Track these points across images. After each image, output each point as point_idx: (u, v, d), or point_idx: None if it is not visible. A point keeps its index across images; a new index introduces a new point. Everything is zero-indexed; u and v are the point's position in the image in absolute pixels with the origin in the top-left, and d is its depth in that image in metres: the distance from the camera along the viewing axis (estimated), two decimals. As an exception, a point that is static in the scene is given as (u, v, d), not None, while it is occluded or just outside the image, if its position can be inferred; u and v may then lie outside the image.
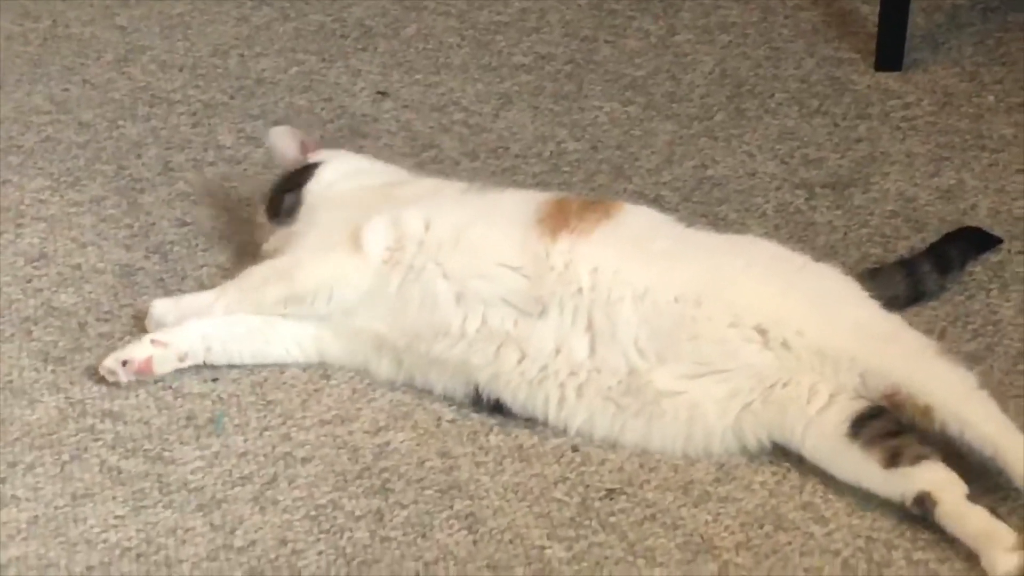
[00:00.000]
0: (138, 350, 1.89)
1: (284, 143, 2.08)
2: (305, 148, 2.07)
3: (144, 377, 1.89)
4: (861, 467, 1.72)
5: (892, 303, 1.91)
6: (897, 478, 1.70)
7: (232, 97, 2.47)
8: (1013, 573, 1.62)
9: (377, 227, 1.89)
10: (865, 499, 1.76)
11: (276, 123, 2.22)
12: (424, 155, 2.33)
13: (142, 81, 2.50)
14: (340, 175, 2.01)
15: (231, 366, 1.93)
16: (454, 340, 1.84)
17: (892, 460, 1.71)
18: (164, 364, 1.90)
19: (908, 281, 2.01)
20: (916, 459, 1.70)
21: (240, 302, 1.92)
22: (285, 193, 2.00)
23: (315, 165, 2.03)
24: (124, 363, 1.89)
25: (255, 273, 1.94)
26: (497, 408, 1.85)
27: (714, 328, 1.79)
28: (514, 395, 1.84)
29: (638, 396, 1.80)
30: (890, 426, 1.73)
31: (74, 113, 2.42)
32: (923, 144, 2.36)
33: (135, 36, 2.61)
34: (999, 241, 2.12)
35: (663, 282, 1.81)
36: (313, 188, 2.00)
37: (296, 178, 2.02)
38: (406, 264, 1.87)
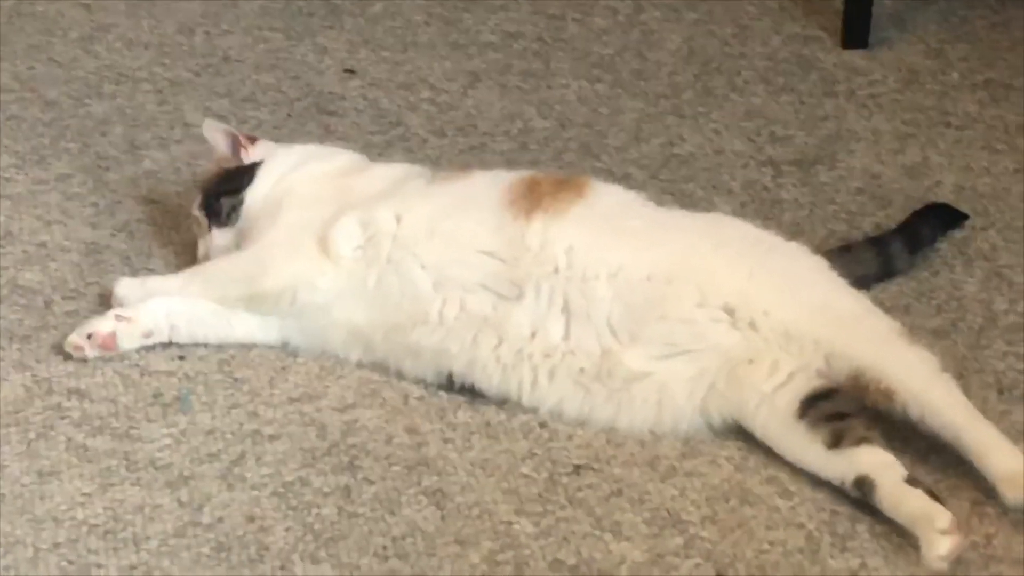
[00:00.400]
0: (103, 324, 1.89)
1: (215, 137, 2.03)
2: (237, 143, 2.03)
3: (108, 352, 1.89)
4: (806, 447, 1.74)
5: (863, 281, 1.93)
6: (838, 460, 1.71)
7: (198, 75, 2.46)
8: (947, 555, 1.63)
9: (346, 228, 1.88)
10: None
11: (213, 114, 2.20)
12: (392, 133, 2.33)
13: (108, 59, 2.49)
14: (286, 169, 1.98)
15: (197, 344, 1.93)
16: (432, 327, 1.85)
17: (835, 441, 1.72)
18: (128, 340, 1.90)
19: (879, 259, 2.03)
20: (858, 441, 1.72)
21: (204, 294, 1.91)
22: (223, 197, 1.98)
23: (254, 167, 2.00)
24: (88, 336, 1.88)
25: (220, 268, 1.93)
26: (469, 391, 1.85)
27: (683, 307, 1.79)
28: (489, 380, 1.84)
29: (609, 379, 1.81)
30: (839, 407, 1.74)
31: (40, 91, 2.41)
32: (889, 121, 2.37)
33: (101, 15, 2.59)
34: (966, 217, 2.14)
35: (636, 260, 1.81)
36: (258, 190, 1.97)
37: (235, 181, 1.99)
38: (383, 259, 1.86)
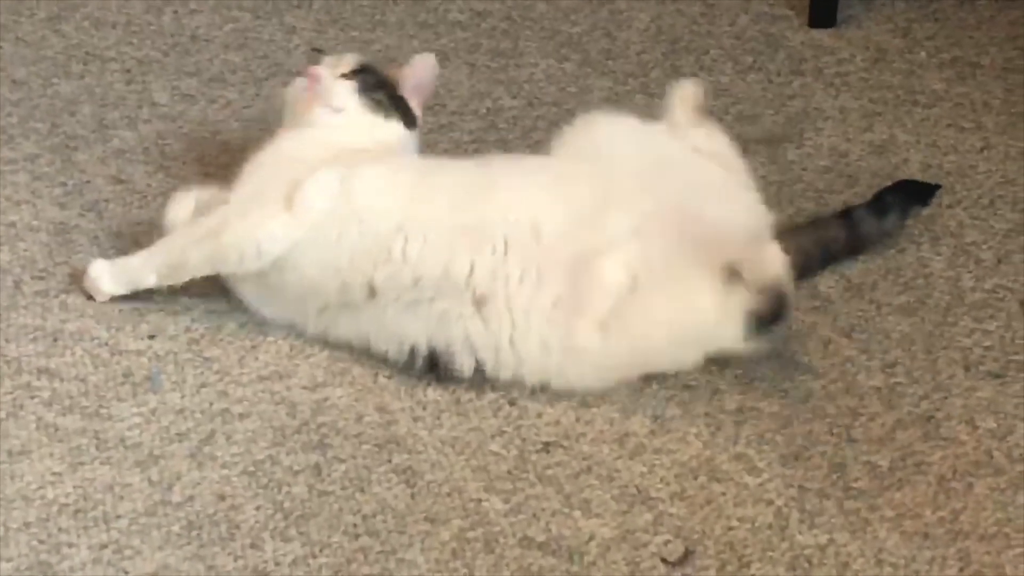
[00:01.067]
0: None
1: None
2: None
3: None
4: None
5: (832, 252, 1.95)
6: None
7: (166, 54, 2.46)
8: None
9: (323, 181, 1.87)
10: (797, 452, 1.78)
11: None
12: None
13: (75, 39, 2.48)
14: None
15: (168, 324, 1.93)
16: (397, 267, 1.83)
17: None
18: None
19: (846, 225, 2.04)
20: None
21: (168, 265, 1.91)
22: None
23: None
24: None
25: (180, 233, 1.93)
26: (431, 367, 1.85)
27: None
28: (451, 345, 1.84)
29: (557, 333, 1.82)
30: None
31: (7, 71, 2.40)
32: (856, 100, 2.38)
33: (68, -7, 2.59)
34: (936, 187, 2.15)
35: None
36: None
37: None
38: (351, 212, 1.86)
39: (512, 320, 1.82)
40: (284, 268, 1.88)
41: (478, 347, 1.83)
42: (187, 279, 1.92)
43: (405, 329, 1.85)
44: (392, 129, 1.98)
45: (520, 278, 1.82)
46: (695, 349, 1.83)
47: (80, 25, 2.52)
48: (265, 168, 1.93)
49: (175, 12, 2.55)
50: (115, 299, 1.96)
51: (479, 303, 1.82)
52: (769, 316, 1.77)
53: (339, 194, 1.86)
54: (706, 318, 1.78)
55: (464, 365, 1.84)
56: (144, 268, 1.93)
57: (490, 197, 1.86)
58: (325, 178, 1.87)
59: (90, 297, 1.96)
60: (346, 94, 1.97)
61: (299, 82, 2.01)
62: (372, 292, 1.85)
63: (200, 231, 1.90)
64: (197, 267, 1.90)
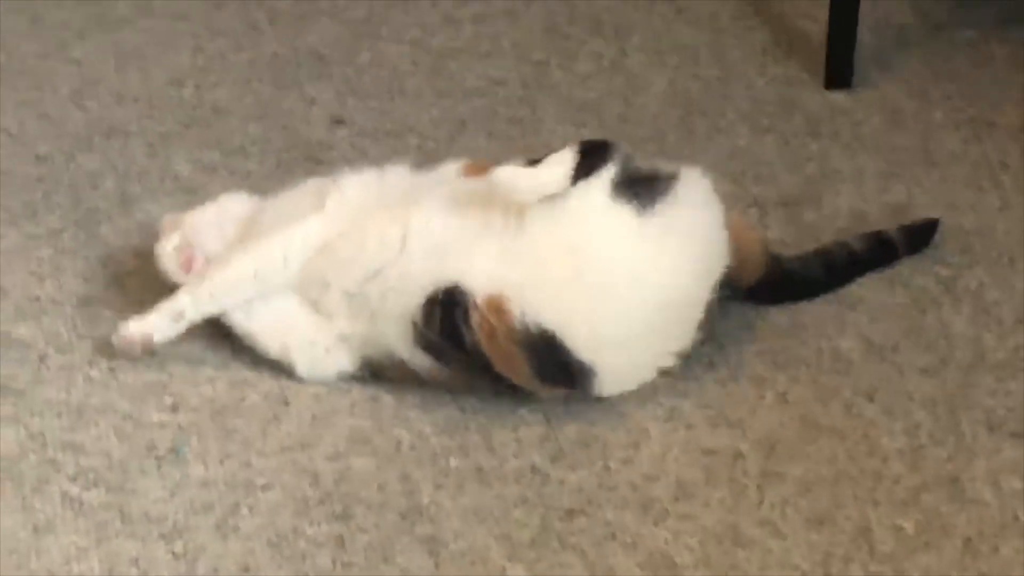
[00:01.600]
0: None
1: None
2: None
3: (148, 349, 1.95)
4: None
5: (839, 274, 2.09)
6: None
7: (188, 127, 2.48)
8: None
9: (359, 178, 1.99)
10: (821, 516, 1.78)
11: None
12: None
13: (98, 113, 2.51)
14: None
15: (191, 396, 1.94)
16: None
17: None
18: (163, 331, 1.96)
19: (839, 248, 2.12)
20: None
21: (211, 286, 1.94)
22: None
23: None
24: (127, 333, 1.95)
25: (219, 260, 1.98)
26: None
27: None
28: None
29: None
30: None
31: (30, 146, 2.43)
32: (873, 160, 2.39)
33: (90, 69, 2.61)
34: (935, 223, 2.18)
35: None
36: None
37: None
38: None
39: None
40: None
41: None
42: (226, 303, 1.93)
43: (429, 275, 1.88)
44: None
45: None
46: None
47: (102, 100, 2.54)
48: (290, 200, 2.03)
49: (196, 86, 2.58)
50: (138, 372, 1.97)
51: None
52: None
53: (368, 183, 1.99)
54: None
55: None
56: (184, 296, 1.94)
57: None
58: (352, 178, 2.00)
59: (116, 370, 1.97)
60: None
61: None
62: (404, 242, 1.90)
63: (242, 246, 1.96)
64: (241, 278, 1.93)
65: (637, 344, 1.89)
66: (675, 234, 1.91)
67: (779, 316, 2.08)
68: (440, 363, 1.89)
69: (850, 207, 2.29)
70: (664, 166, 1.97)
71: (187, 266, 2.01)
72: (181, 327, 1.95)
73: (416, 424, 1.90)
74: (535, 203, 1.89)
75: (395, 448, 1.87)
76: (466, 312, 1.85)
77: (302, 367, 1.95)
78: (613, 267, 1.88)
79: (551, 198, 1.89)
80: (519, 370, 1.87)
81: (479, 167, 2.05)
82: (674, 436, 1.88)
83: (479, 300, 1.85)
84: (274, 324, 1.96)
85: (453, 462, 1.85)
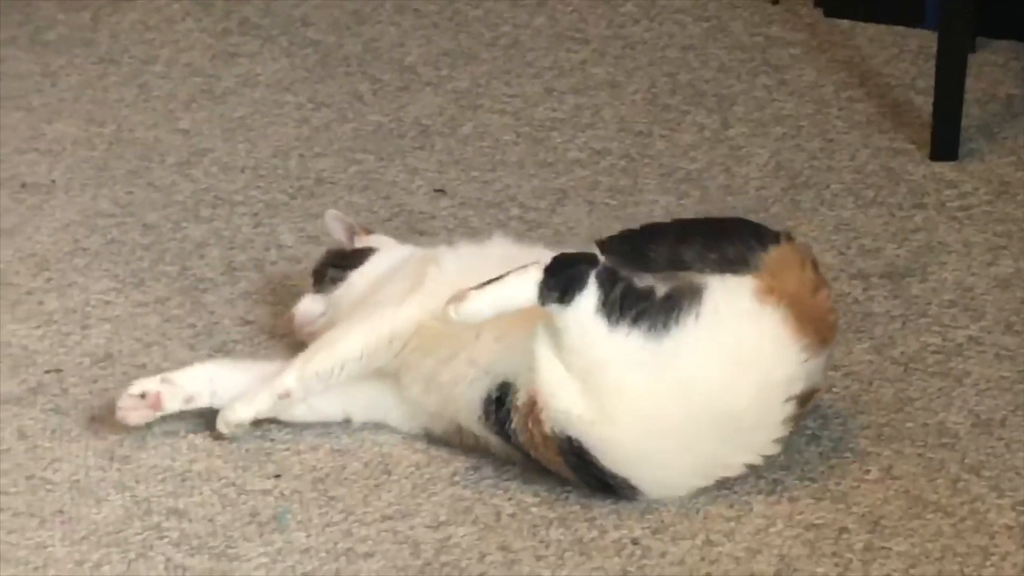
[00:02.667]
0: (150, 384, 1.96)
1: (334, 226, 2.15)
2: (351, 232, 2.14)
3: (155, 412, 1.95)
4: None
5: None
6: None
7: (293, 197, 2.51)
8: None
9: (449, 259, 1.98)
10: None
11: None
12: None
13: (204, 183, 2.55)
14: (391, 262, 2.08)
15: (294, 463, 1.95)
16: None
17: None
18: (171, 402, 1.96)
19: None
20: None
21: (313, 364, 1.94)
22: (330, 267, 2.10)
23: (368, 251, 2.10)
24: (143, 396, 1.95)
25: (323, 336, 1.99)
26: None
27: None
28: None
29: None
30: None
31: (138, 215, 2.47)
32: (980, 233, 2.37)
33: (198, 139, 2.66)
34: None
35: None
36: (366, 273, 2.07)
37: (347, 258, 2.10)
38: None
39: None
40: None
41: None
42: (332, 383, 1.95)
43: (498, 363, 1.87)
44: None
45: None
46: None
47: (208, 170, 2.58)
48: (392, 277, 2.03)
49: (301, 156, 2.61)
50: (241, 439, 1.99)
51: None
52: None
53: (468, 260, 1.98)
54: None
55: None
56: (289, 377, 1.95)
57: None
58: (450, 256, 2.00)
59: (218, 437, 1.98)
60: (312, 303, 2.08)
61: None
62: (479, 329, 1.88)
63: (346, 325, 1.97)
64: (348, 358, 1.94)
65: (677, 460, 1.83)
66: (703, 352, 1.80)
67: (884, 389, 2.06)
68: (512, 447, 1.89)
69: (956, 280, 2.27)
70: (692, 277, 1.83)
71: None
72: (285, 406, 1.97)
73: (517, 494, 1.90)
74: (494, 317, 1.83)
75: (496, 518, 1.87)
76: (510, 412, 1.85)
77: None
78: (626, 393, 1.80)
79: (551, 325, 1.81)
80: (566, 473, 1.86)
81: None
82: (777, 509, 1.86)
83: (520, 403, 1.84)
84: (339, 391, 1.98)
85: (554, 533, 1.84)
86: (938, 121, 2.54)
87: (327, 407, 1.99)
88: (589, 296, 1.80)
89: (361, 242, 2.13)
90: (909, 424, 2.00)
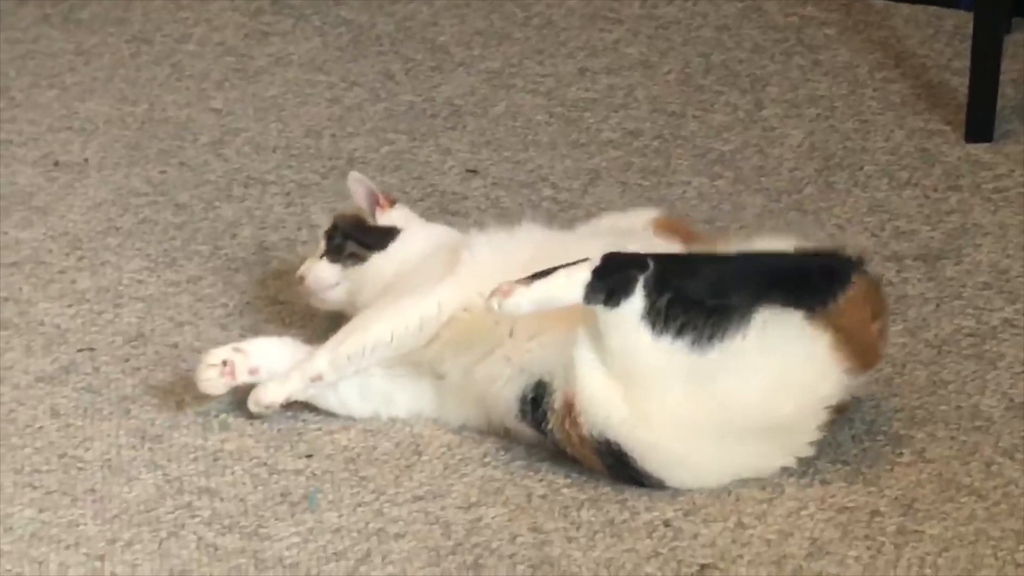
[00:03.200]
0: (226, 353, 1.97)
1: (356, 189, 2.12)
2: (375, 201, 2.11)
3: (233, 381, 1.95)
4: None
5: None
6: None
7: (325, 177, 2.51)
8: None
9: (481, 244, 1.96)
10: (961, 575, 1.74)
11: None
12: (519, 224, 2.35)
13: (237, 163, 2.55)
14: (419, 252, 2.06)
15: (325, 443, 1.95)
16: None
17: None
18: (241, 373, 1.96)
19: None
20: None
21: (344, 347, 1.94)
22: (351, 240, 2.06)
23: (393, 233, 2.07)
24: (224, 363, 1.95)
25: (354, 320, 1.98)
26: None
27: None
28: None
29: None
30: None
31: (171, 195, 2.47)
32: (1015, 215, 2.35)
33: (230, 119, 2.66)
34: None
35: None
36: (389, 259, 2.05)
37: (370, 236, 2.07)
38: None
39: None
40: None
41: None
42: (363, 365, 1.95)
43: (533, 362, 1.86)
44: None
45: None
46: None
47: (241, 150, 2.58)
48: (425, 261, 2.01)
49: (333, 136, 2.61)
50: (273, 419, 1.99)
51: None
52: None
53: (500, 248, 1.95)
54: None
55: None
56: (321, 360, 1.94)
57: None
58: (482, 241, 1.97)
59: (251, 416, 1.99)
60: (326, 271, 2.06)
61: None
62: (512, 327, 1.88)
63: (377, 308, 1.96)
64: (378, 343, 1.93)
65: (714, 464, 1.83)
66: (746, 369, 1.79)
67: (918, 372, 2.05)
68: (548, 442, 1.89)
69: (991, 262, 2.25)
70: (738, 299, 1.79)
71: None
72: (318, 388, 1.97)
73: (548, 475, 1.90)
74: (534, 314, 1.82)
75: (527, 499, 1.87)
76: (546, 413, 1.85)
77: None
78: (666, 400, 1.80)
79: (596, 327, 1.80)
80: (601, 469, 1.86)
81: (671, 225, 2.01)
82: (809, 492, 1.86)
83: (557, 403, 1.84)
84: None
85: (585, 514, 1.84)
86: (973, 102, 2.52)
87: (360, 405, 1.99)
88: (635, 302, 1.78)
89: (384, 218, 2.10)
90: (943, 407, 1.99)
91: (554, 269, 1.81)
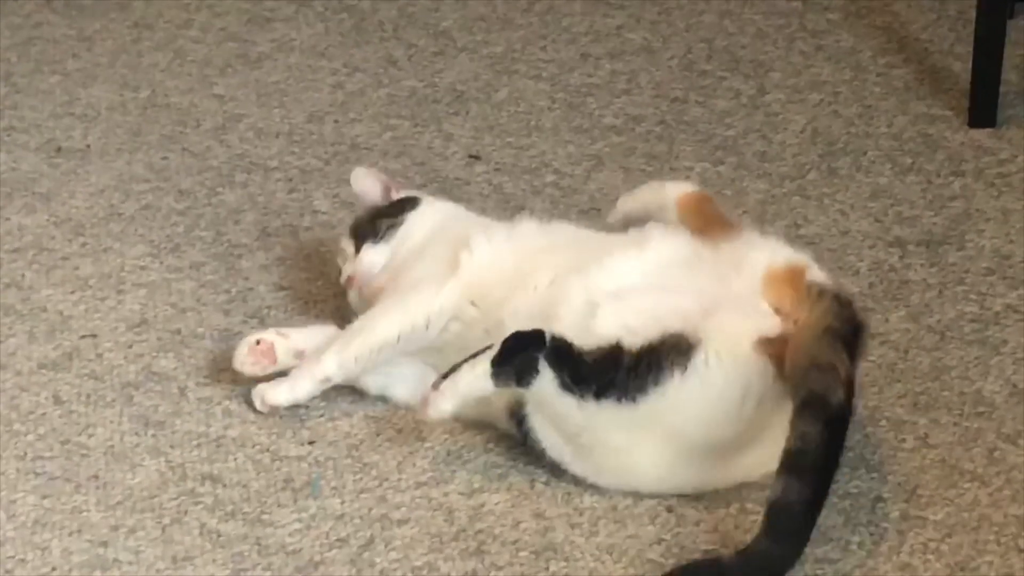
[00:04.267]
0: (265, 335, 1.99)
1: (367, 185, 2.12)
2: (387, 189, 2.11)
3: (268, 365, 1.96)
4: None
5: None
6: None
7: (327, 163, 2.50)
8: None
9: (481, 242, 1.95)
10: (963, 562, 1.74)
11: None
12: (516, 217, 2.35)
13: (239, 149, 2.55)
14: (443, 216, 2.06)
15: (327, 429, 1.95)
16: (528, 295, 1.87)
17: None
18: (285, 355, 1.98)
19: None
20: None
21: (351, 348, 1.93)
22: (381, 219, 2.05)
23: (416, 199, 2.08)
24: (257, 342, 1.97)
25: (360, 320, 1.97)
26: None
27: None
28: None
29: None
30: None
31: (173, 181, 2.47)
32: (1018, 200, 2.35)
33: (232, 104, 2.65)
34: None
35: None
36: (422, 219, 2.05)
37: (395, 207, 2.07)
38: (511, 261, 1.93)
39: None
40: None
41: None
42: (370, 366, 1.95)
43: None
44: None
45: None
46: None
47: (244, 135, 2.58)
48: (427, 252, 2.00)
49: (336, 122, 2.61)
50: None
51: None
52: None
53: (499, 248, 1.95)
54: None
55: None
56: (330, 362, 1.94)
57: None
58: (481, 239, 1.96)
59: (251, 402, 1.99)
60: (374, 254, 2.04)
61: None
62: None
63: (383, 308, 1.95)
64: (385, 343, 1.93)
65: (678, 485, 1.83)
66: (690, 404, 1.76)
67: (920, 358, 2.05)
68: None
69: (994, 247, 2.25)
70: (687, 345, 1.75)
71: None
72: (325, 387, 1.97)
73: (551, 462, 1.90)
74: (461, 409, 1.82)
75: (530, 485, 1.87)
76: (529, 429, 1.85)
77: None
78: (610, 448, 1.80)
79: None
80: None
81: (698, 206, 1.98)
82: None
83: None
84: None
85: (588, 501, 1.84)
86: (976, 87, 2.52)
87: (367, 384, 1.99)
88: (545, 378, 1.77)
89: (399, 195, 2.11)
90: (945, 393, 1.99)
91: (459, 365, 1.80)
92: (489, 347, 1.79)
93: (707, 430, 1.79)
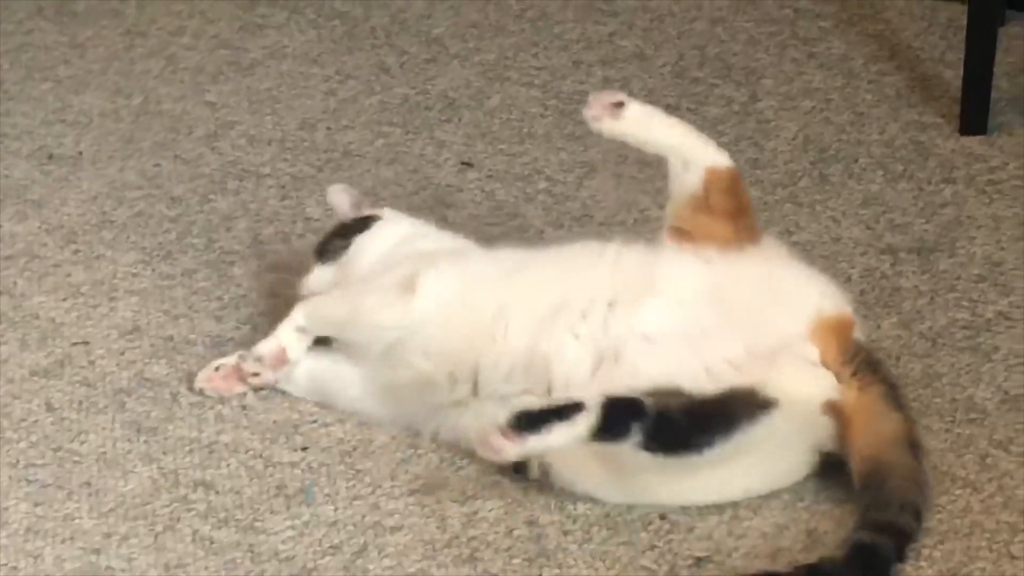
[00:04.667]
0: (267, 344, 1.99)
1: (338, 200, 2.15)
2: (358, 206, 2.14)
3: (283, 367, 1.97)
4: None
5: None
6: None
7: (320, 170, 2.51)
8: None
9: (441, 276, 1.93)
10: (955, 569, 1.74)
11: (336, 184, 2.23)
12: (509, 224, 2.35)
13: (231, 156, 2.55)
14: (397, 238, 2.07)
15: (321, 436, 1.95)
16: (498, 350, 1.85)
17: None
18: (297, 350, 1.98)
19: None
20: None
21: (313, 313, 1.98)
22: (334, 239, 2.08)
23: (371, 218, 2.09)
24: (259, 359, 1.98)
25: (329, 294, 2.01)
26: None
27: None
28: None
29: None
30: None
31: (165, 188, 2.47)
32: (1009, 207, 2.35)
33: (224, 112, 2.65)
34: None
35: None
36: (373, 241, 2.06)
37: (349, 228, 2.09)
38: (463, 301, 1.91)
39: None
40: (397, 364, 1.91)
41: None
42: (327, 333, 1.98)
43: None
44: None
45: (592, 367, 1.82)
46: None
47: (236, 143, 2.58)
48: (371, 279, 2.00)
49: (328, 129, 2.61)
50: (269, 411, 1.99)
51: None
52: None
53: (454, 284, 1.92)
54: None
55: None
56: (298, 312, 1.98)
57: (572, 279, 1.88)
58: (440, 272, 1.93)
59: (247, 408, 1.99)
60: (320, 273, 2.06)
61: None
62: (475, 387, 1.87)
63: (345, 294, 1.98)
64: (338, 323, 1.97)
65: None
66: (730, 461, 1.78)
67: (912, 364, 2.05)
68: None
69: (985, 254, 2.25)
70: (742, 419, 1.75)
71: None
72: (306, 340, 1.98)
73: (543, 468, 1.90)
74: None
75: (523, 492, 1.87)
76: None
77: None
78: (652, 479, 1.81)
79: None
80: None
81: (728, 184, 1.93)
82: (805, 485, 1.86)
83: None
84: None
85: (581, 508, 1.84)
86: (967, 95, 2.53)
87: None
88: (631, 439, 1.73)
89: (365, 212, 2.12)
90: (937, 399, 1.99)
91: (547, 416, 1.72)
92: (576, 404, 1.71)
93: (763, 478, 1.82)
